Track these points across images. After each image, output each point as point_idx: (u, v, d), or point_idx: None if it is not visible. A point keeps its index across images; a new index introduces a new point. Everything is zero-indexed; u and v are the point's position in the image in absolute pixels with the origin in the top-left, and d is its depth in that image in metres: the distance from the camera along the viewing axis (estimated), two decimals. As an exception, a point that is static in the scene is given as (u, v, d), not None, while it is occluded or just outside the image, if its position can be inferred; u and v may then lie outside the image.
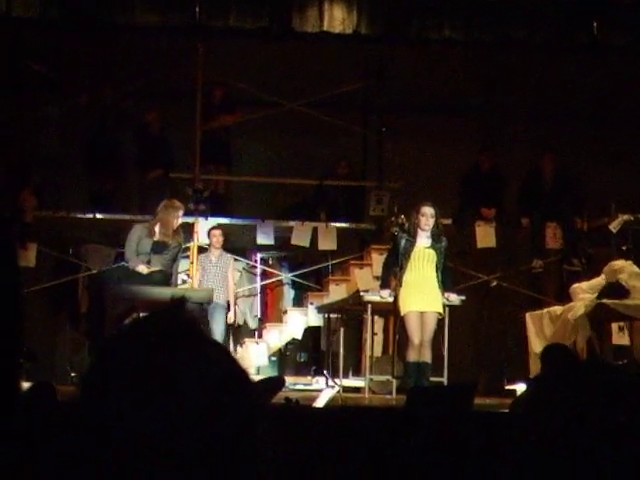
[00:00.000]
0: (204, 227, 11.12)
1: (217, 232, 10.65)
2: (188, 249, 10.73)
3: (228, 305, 10.56)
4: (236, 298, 11.07)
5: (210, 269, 10.57)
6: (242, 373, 1.18)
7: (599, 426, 1.34)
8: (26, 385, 4.06)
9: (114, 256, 11.27)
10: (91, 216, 11.41)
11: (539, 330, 9.52)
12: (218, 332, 10.28)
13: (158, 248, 9.71)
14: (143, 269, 9.58)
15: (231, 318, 10.62)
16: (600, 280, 9.15)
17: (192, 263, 10.74)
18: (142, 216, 10.62)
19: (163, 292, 8.97)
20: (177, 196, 10.30)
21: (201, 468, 1.11)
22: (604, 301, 8.81)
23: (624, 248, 9.77)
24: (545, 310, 9.71)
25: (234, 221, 11.35)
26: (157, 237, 9.72)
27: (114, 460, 1.09)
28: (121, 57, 11.27)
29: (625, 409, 1.35)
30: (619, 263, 9.16)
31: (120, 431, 1.09)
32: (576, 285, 9.47)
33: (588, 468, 1.33)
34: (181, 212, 9.89)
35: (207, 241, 11.15)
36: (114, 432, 1.10)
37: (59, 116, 11.74)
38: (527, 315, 9.79)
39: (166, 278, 9.73)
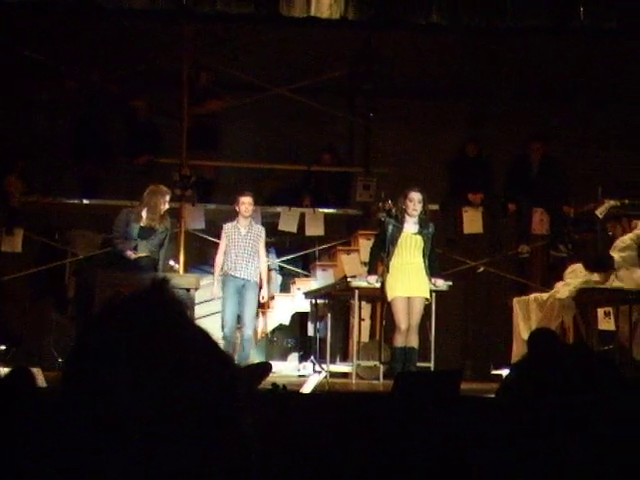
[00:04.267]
0: (192, 212, 11.10)
1: (247, 199, 9.74)
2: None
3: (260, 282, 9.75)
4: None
5: (238, 241, 9.67)
6: (225, 358, 1.18)
7: (578, 410, 1.35)
8: (4, 371, 4.06)
9: (101, 242, 11.26)
10: (78, 201, 11.39)
11: (526, 315, 9.56)
12: (250, 314, 9.56)
13: (145, 233, 9.71)
14: (130, 254, 9.58)
15: (264, 297, 9.87)
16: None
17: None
18: (130, 202, 10.59)
19: (150, 277, 8.95)
20: (164, 182, 10.27)
21: (185, 451, 1.11)
22: (586, 286, 8.91)
23: (610, 234, 9.80)
24: (532, 295, 9.76)
25: (221, 207, 11.32)
26: (144, 222, 9.71)
27: (96, 439, 1.10)
28: (108, 41, 11.23)
29: (603, 393, 1.36)
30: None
31: (101, 410, 1.10)
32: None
33: (570, 451, 1.33)
34: (168, 197, 9.87)
35: (196, 226, 11.13)
36: (95, 411, 1.10)
37: (47, 101, 11.69)
38: (514, 300, 9.82)
39: (153, 263, 9.72)
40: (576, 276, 9.22)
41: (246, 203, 9.72)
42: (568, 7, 10.27)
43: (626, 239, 9.11)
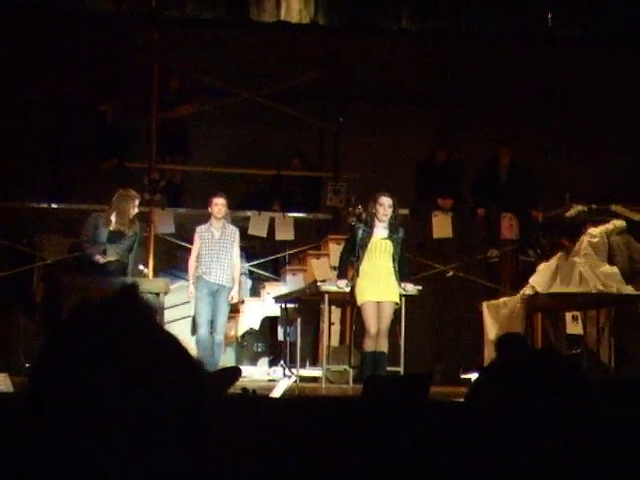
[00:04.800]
0: (162, 216, 11.06)
1: (219, 200, 9.63)
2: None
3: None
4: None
5: (212, 245, 9.55)
6: (195, 363, 1.18)
7: (545, 414, 1.36)
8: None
9: (69, 246, 11.19)
10: (46, 205, 11.32)
11: (495, 319, 9.60)
12: (222, 320, 9.47)
13: (114, 238, 9.67)
14: (99, 259, 9.53)
15: (233, 298, 9.67)
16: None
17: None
18: (99, 206, 10.54)
19: (119, 282, 8.90)
20: (133, 186, 10.23)
21: (153, 455, 1.11)
22: (555, 291, 8.97)
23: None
24: (501, 300, 9.81)
25: (190, 211, 11.29)
26: (113, 227, 9.67)
27: (62, 443, 1.09)
28: (77, 45, 11.16)
29: (570, 397, 1.37)
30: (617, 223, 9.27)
31: (67, 417, 1.09)
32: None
33: (537, 454, 1.34)
34: (137, 201, 9.84)
35: (165, 231, 11.09)
36: (61, 417, 1.10)
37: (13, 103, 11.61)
38: (484, 305, 9.87)
39: (122, 268, 9.68)
40: (544, 276, 9.27)
41: (219, 204, 9.64)
42: (536, 14, 10.35)
43: (596, 230, 9.19)
